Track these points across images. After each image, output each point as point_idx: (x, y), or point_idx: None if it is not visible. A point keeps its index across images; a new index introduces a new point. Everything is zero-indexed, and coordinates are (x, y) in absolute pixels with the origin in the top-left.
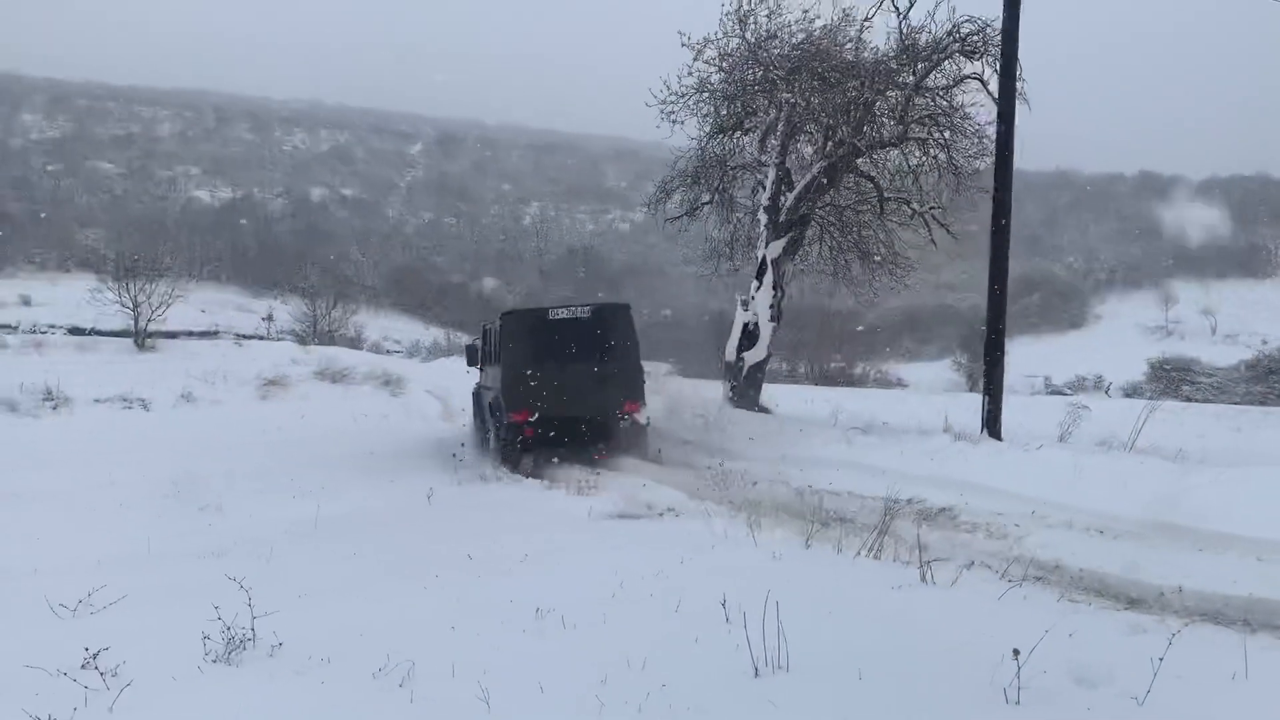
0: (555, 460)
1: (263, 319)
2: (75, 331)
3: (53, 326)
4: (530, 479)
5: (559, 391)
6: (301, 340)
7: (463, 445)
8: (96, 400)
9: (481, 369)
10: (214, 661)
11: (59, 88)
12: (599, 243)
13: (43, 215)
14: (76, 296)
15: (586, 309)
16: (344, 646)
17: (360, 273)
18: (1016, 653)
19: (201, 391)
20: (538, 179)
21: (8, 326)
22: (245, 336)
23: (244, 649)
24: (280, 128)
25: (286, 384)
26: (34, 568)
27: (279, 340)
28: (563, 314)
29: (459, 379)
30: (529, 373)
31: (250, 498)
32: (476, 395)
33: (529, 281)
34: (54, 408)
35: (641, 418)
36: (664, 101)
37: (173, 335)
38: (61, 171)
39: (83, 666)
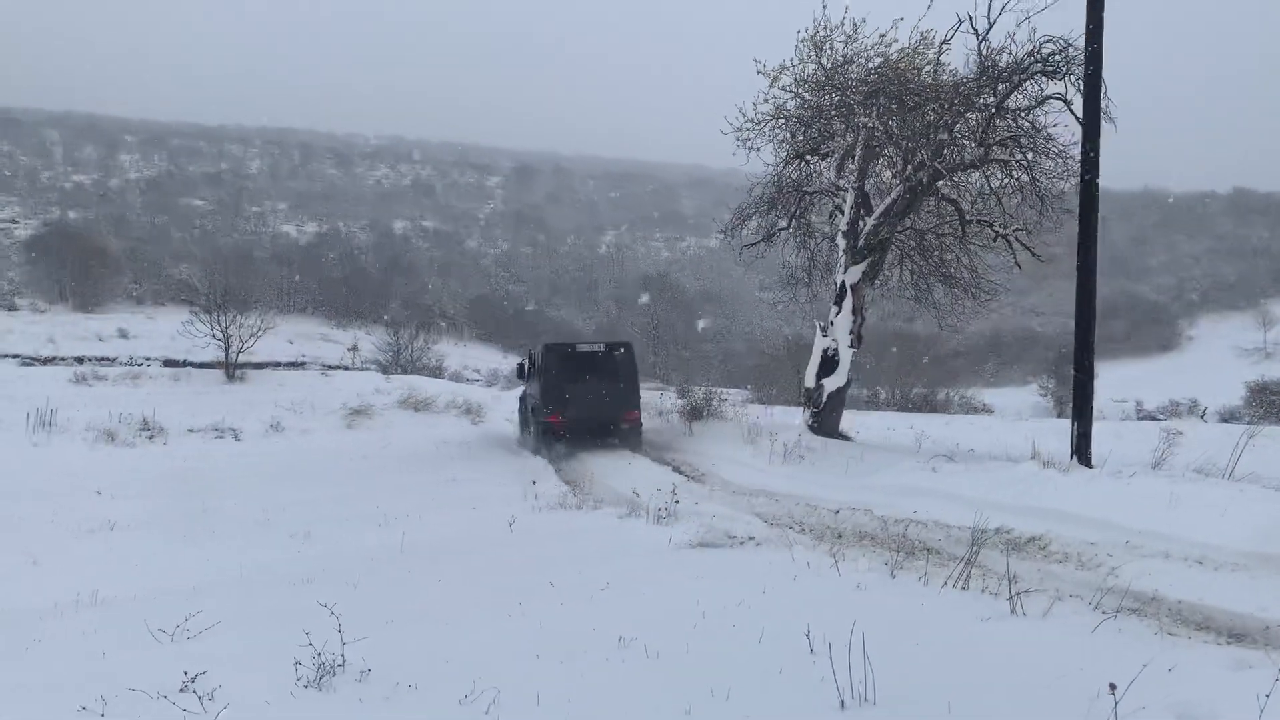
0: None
1: (348, 349)
2: (169, 363)
3: (148, 359)
4: (606, 508)
5: (580, 401)
6: (385, 370)
7: (535, 482)
8: (190, 430)
9: (526, 381)
10: (305, 686)
11: (154, 128)
12: (674, 270)
13: (138, 250)
14: (170, 329)
15: (601, 345)
16: (431, 673)
17: (440, 303)
18: (1113, 687)
19: (290, 421)
20: (613, 207)
21: (107, 359)
22: (331, 367)
23: (334, 674)
24: (364, 163)
25: (371, 413)
26: (133, 594)
27: (363, 370)
28: (585, 347)
29: None
30: (560, 386)
31: (337, 525)
32: (522, 398)
33: (604, 308)
34: (150, 438)
35: (637, 422)
36: (740, 128)
37: (261, 366)
38: (156, 208)
39: (181, 690)
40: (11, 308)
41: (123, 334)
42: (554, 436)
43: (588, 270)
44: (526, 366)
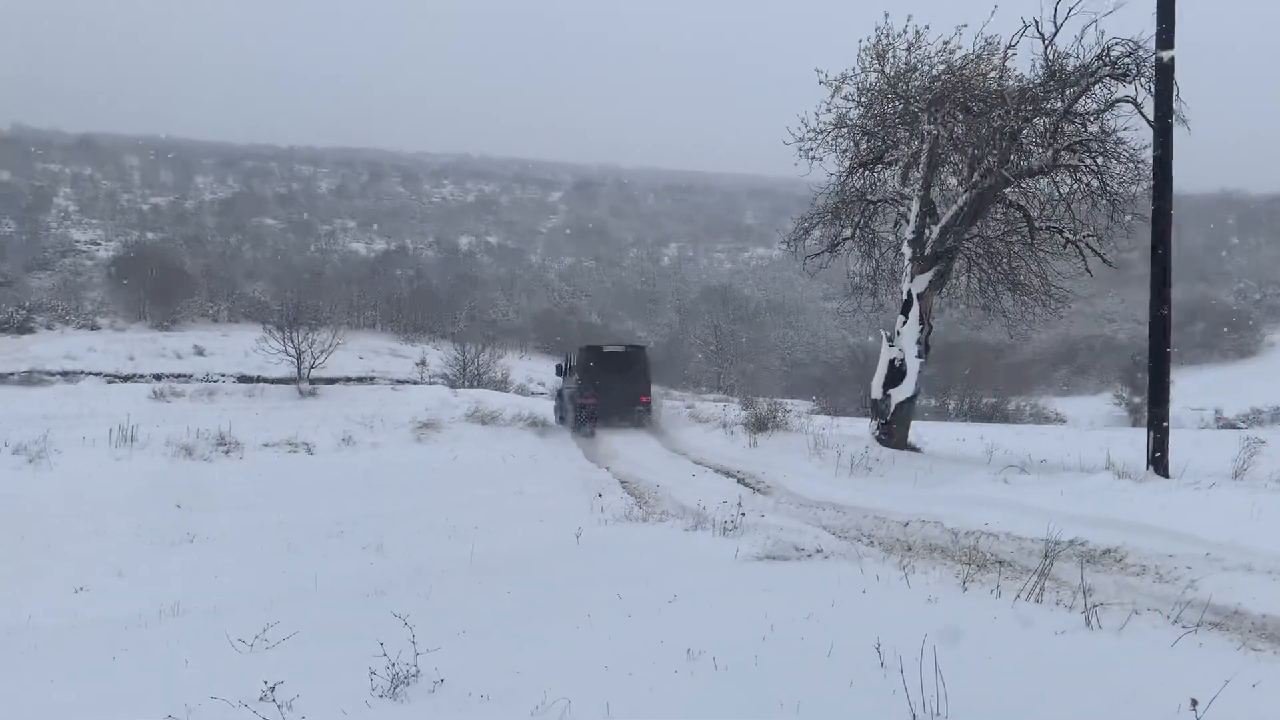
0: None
1: (416, 364)
2: (244, 380)
3: (223, 375)
4: (672, 521)
5: (607, 387)
6: (452, 384)
7: (601, 495)
8: (264, 445)
9: (564, 377)
10: (380, 696)
11: (228, 151)
12: (736, 281)
13: (211, 266)
14: (245, 346)
15: (622, 347)
16: (502, 684)
17: (506, 317)
18: (1195, 703)
19: (361, 435)
20: (675, 219)
21: (184, 376)
22: (400, 381)
23: (408, 685)
24: (429, 180)
25: (439, 427)
26: (213, 605)
27: (431, 384)
28: (610, 348)
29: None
30: (594, 377)
31: (408, 537)
32: (558, 393)
33: (667, 320)
34: (226, 452)
35: (648, 404)
36: (802, 139)
37: (332, 381)
38: (230, 228)
39: (261, 699)
40: (94, 326)
41: (199, 351)
42: (589, 413)
43: (650, 282)
44: (564, 365)
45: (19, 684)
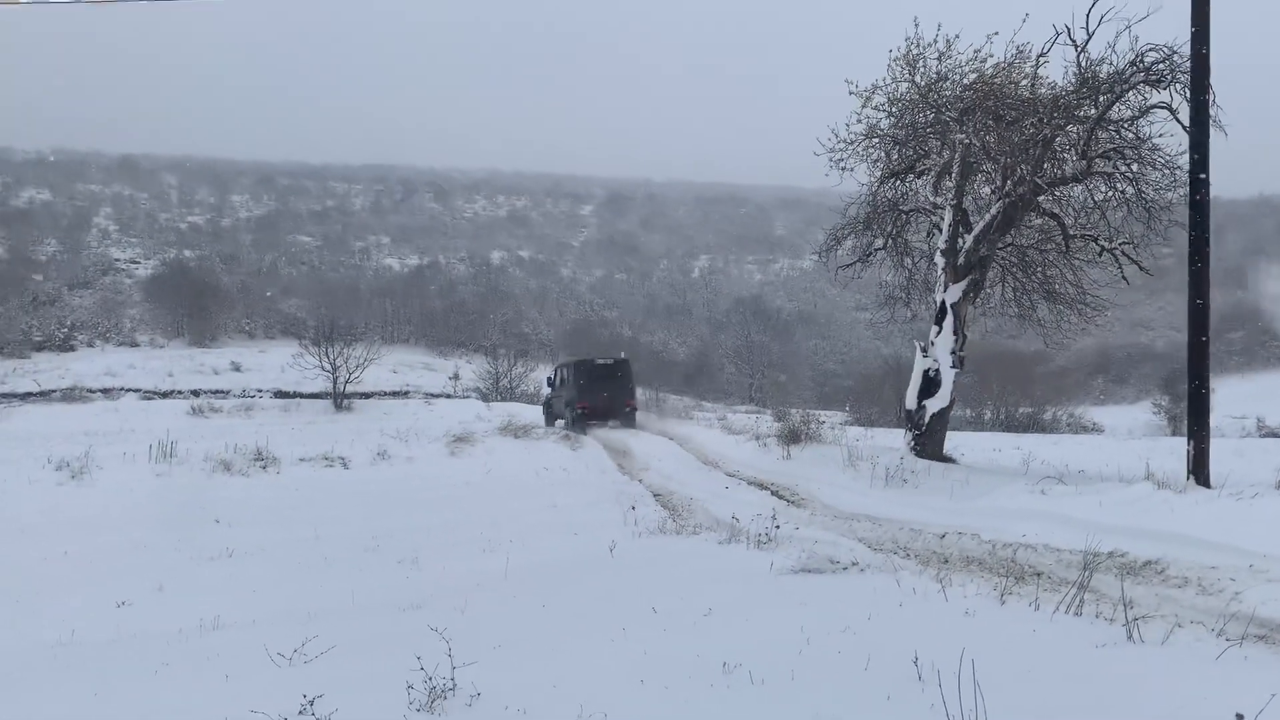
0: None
1: (449, 378)
2: (280, 395)
3: (260, 390)
4: (705, 534)
5: (596, 394)
6: (485, 397)
7: (634, 507)
8: (301, 460)
9: (555, 387)
10: (418, 710)
11: (264, 169)
12: (767, 292)
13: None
14: (280, 361)
15: (609, 358)
16: (539, 698)
17: (537, 330)
18: (1240, 717)
19: (395, 449)
20: (705, 231)
21: (221, 392)
22: (434, 395)
23: (445, 698)
24: (462, 196)
25: (473, 440)
26: (252, 619)
27: (465, 398)
28: (600, 361)
29: (635, 434)
30: (586, 386)
31: (443, 551)
32: (547, 401)
33: (697, 332)
34: (263, 467)
35: (633, 408)
36: (832, 149)
37: (367, 396)
38: (266, 245)
39: (300, 712)
40: (133, 343)
41: (236, 367)
42: (583, 417)
43: (680, 294)
44: (554, 377)
45: (65, 698)
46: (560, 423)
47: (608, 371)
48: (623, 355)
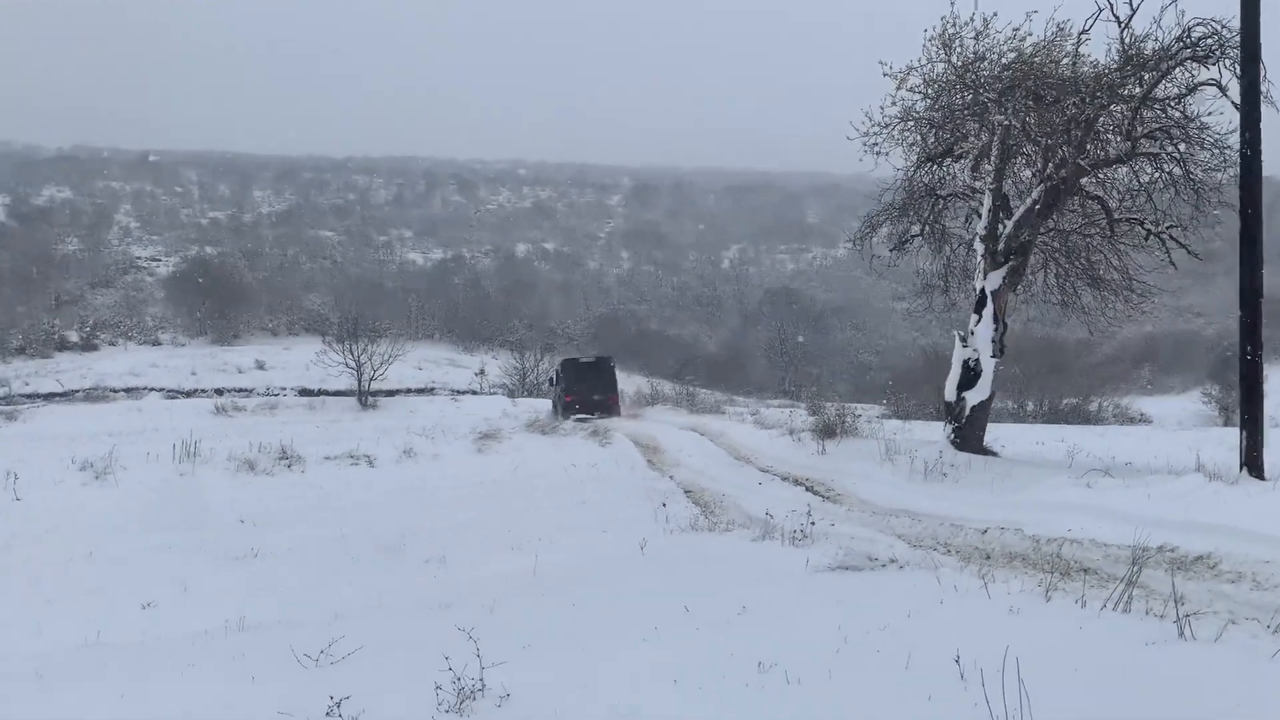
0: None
1: (475, 374)
2: (304, 393)
3: (284, 389)
4: (739, 530)
5: (583, 389)
6: (511, 393)
7: (665, 504)
8: (326, 458)
9: (553, 385)
10: (446, 711)
11: (284, 163)
12: (799, 282)
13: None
14: (305, 359)
15: (594, 356)
16: (569, 698)
17: (564, 324)
18: None
19: (421, 447)
20: (736, 220)
21: (245, 390)
22: (459, 391)
23: (474, 699)
24: (486, 187)
25: (500, 437)
26: (278, 619)
27: (491, 394)
28: (586, 359)
29: (665, 430)
30: (574, 380)
31: (471, 549)
32: (554, 396)
33: (729, 323)
34: (288, 466)
35: (616, 401)
36: (866, 133)
37: (392, 393)
38: (288, 241)
39: (328, 714)
40: (156, 342)
41: (259, 365)
42: (570, 408)
43: (710, 286)
44: (553, 376)
45: (91, 700)
46: (572, 415)
47: (591, 368)
48: (604, 354)
